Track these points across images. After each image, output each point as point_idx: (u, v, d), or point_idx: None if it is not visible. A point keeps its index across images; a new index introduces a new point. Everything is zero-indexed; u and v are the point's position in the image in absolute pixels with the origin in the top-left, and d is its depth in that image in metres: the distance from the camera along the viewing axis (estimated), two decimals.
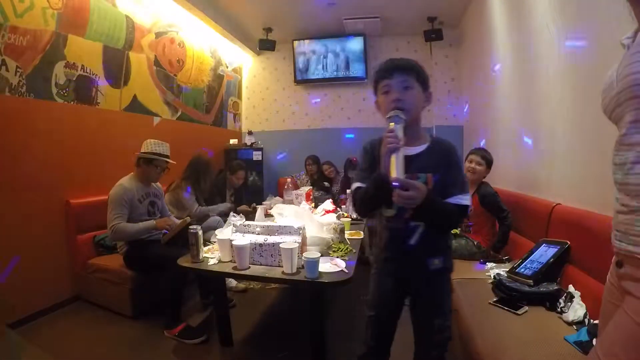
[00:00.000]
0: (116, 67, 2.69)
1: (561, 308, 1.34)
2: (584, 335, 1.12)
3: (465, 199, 0.97)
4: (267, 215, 2.35)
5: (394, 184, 0.85)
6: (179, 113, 3.59)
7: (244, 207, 2.95)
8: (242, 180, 3.18)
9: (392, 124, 0.92)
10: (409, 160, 0.91)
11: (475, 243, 2.11)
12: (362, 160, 1.09)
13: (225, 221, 1.89)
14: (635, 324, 0.59)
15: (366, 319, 1.15)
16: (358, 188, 1.04)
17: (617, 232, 0.66)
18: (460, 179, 1.00)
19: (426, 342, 1.07)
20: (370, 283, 1.16)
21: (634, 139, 0.61)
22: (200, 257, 1.63)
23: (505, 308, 1.41)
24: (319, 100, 4.79)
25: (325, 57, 4.59)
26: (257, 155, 4.40)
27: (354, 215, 2.51)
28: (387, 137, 0.89)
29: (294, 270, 1.44)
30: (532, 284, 1.47)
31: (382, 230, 1.08)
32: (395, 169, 0.86)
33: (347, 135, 4.61)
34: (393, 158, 0.87)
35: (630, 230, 0.62)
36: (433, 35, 4.01)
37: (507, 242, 2.05)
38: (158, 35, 3.19)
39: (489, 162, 2.21)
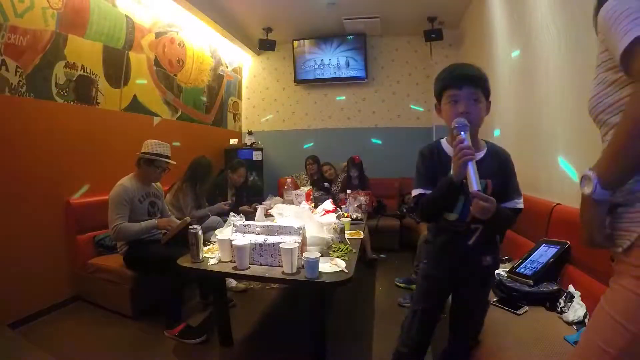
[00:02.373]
0: (116, 67, 2.70)
1: (561, 308, 1.34)
2: None
3: (521, 203, 1.05)
4: (267, 215, 2.35)
5: (473, 195, 0.90)
6: (179, 113, 3.59)
7: (244, 207, 2.95)
8: (243, 178, 3.18)
9: (460, 134, 0.94)
10: None
11: None
12: (423, 166, 1.10)
13: (225, 221, 1.89)
14: (605, 311, 0.62)
15: (409, 316, 1.19)
16: (422, 195, 1.06)
17: None
18: (517, 184, 1.07)
19: (474, 323, 1.19)
20: (419, 277, 1.22)
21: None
22: (200, 257, 1.63)
23: (506, 308, 1.41)
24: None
25: (325, 57, 4.60)
26: (257, 155, 4.39)
27: (354, 216, 2.52)
28: (462, 147, 0.92)
29: (294, 270, 1.44)
30: (532, 284, 1.47)
31: (440, 230, 1.12)
32: (473, 179, 0.90)
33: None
34: (469, 168, 0.91)
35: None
36: (433, 35, 4.00)
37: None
38: (158, 35, 3.19)
39: None
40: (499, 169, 1.05)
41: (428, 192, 1.05)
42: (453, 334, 1.20)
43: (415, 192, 1.09)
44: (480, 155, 1.04)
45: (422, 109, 4.56)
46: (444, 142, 1.12)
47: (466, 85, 0.99)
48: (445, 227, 1.09)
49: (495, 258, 1.13)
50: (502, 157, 1.08)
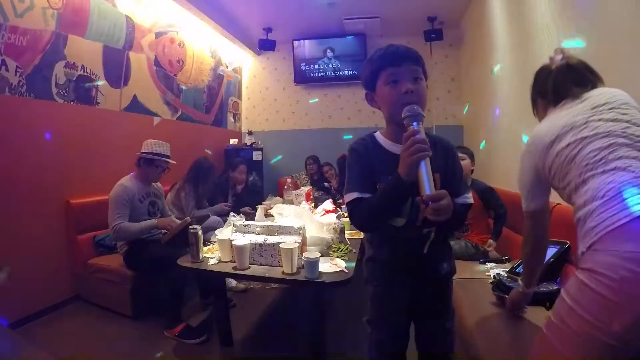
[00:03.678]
0: (116, 67, 2.69)
1: None
2: None
3: (470, 198, 0.93)
4: (267, 215, 2.35)
5: (426, 199, 0.73)
6: (179, 113, 3.59)
7: (246, 209, 2.96)
8: (244, 175, 3.20)
9: (412, 125, 0.78)
10: None
11: (473, 245, 2.14)
12: (356, 166, 0.92)
13: (225, 221, 1.89)
14: (561, 297, 0.72)
15: (373, 344, 1.01)
16: (359, 200, 0.88)
17: None
18: (462, 178, 0.96)
19: (439, 344, 1.01)
20: (373, 302, 1.01)
21: None
22: (200, 257, 1.62)
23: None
24: (316, 100, 4.79)
25: (325, 57, 4.60)
26: (257, 155, 4.40)
27: None
28: (416, 141, 0.75)
29: (294, 270, 1.44)
30: None
31: (384, 242, 0.97)
32: (425, 181, 0.74)
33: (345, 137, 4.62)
34: (421, 168, 0.75)
35: None
36: (433, 35, 4.01)
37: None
38: (158, 35, 3.19)
39: (471, 155, 2.24)
40: (446, 162, 0.91)
41: (366, 196, 0.87)
42: (423, 348, 1.03)
43: (349, 196, 0.90)
44: None
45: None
46: (379, 136, 0.95)
47: (406, 62, 0.85)
48: (392, 236, 0.92)
49: (451, 264, 1.00)
50: (448, 148, 0.95)
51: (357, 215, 0.90)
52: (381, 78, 0.88)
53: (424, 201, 0.74)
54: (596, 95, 0.87)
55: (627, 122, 0.78)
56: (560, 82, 0.95)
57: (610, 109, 0.81)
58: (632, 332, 0.59)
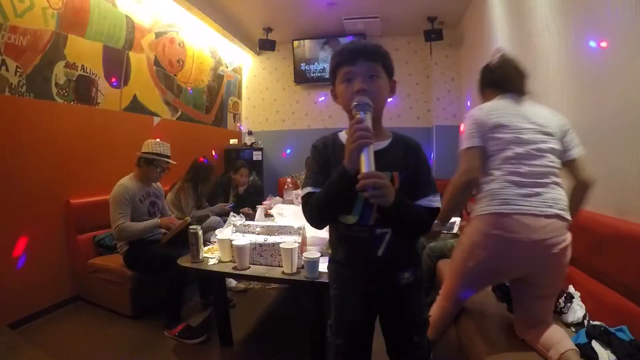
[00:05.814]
0: (116, 67, 2.69)
1: (561, 309, 1.34)
2: (582, 338, 1.12)
3: (437, 201, 0.87)
4: (267, 215, 2.35)
5: (363, 176, 0.72)
6: (179, 113, 3.59)
7: (245, 209, 2.96)
8: (245, 178, 3.22)
9: (359, 114, 0.77)
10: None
11: None
12: (314, 162, 0.91)
13: (225, 221, 1.89)
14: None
15: (333, 349, 0.96)
16: (310, 194, 0.86)
17: None
18: (431, 179, 0.90)
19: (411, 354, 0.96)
20: (332, 306, 0.97)
21: None
22: (200, 257, 1.63)
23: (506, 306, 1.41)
24: (323, 99, 4.79)
25: (325, 57, 4.59)
26: (257, 155, 4.40)
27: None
28: (358, 128, 0.74)
29: (294, 270, 1.44)
30: None
31: (340, 242, 0.94)
32: (366, 162, 0.73)
33: None
34: (363, 154, 0.74)
35: None
36: (433, 35, 4.00)
37: None
38: (158, 35, 3.19)
39: None
40: (406, 160, 0.87)
41: (318, 190, 0.85)
42: None
43: (303, 191, 0.89)
44: (384, 144, 0.88)
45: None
46: (342, 135, 0.93)
47: (361, 60, 0.83)
48: (346, 235, 0.89)
49: (417, 272, 0.93)
50: (410, 146, 0.90)
51: (308, 209, 0.87)
52: (338, 76, 0.88)
53: (360, 181, 0.71)
54: (537, 116, 1.19)
55: (532, 155, 1.13)
56: (503, 75, 1.28)
57: (535, 134, 1.16)
58: (488, 260, 1.15)
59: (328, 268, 1.01)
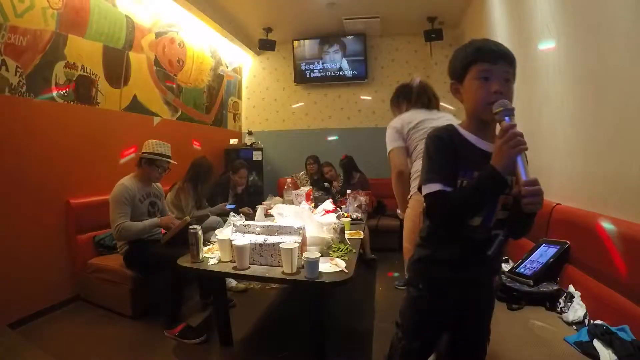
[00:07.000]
0: (116, 67, 2.69)
1: (561, 308, 1.34)
2: (584, 336, 1.12)
3: None
4: (267, 215, 2.35)
5: (526, 184, 0.73)
6: (179, 113, 3.59)
7: (245, 209, 2.96)
8: (244, 179, 3.17)
9: (504, 119, 0.77)
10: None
11: None
12: (439, 154, 0.86)
13: (225, 221, 1.89)
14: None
15: (403, 352, 0.96)
16: (441, 192, 0.81)
17: None
18: None
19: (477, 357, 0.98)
20: (411, 308, 0.95)
21: None
22: (200, 257, 1.63)
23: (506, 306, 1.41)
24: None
25: (325, 57, 4.59)
26: (257, 155, 4.39)
27: (354, 216, 2.51)
28: (517, 133, 0.74)
29: (294, 270, 1.44)
30: (532, 284, 1.47)
31: (448, 242, 0.89)
32: (522, 169, 0.74)
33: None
34: (518, 160, 0.75)
35: None
36: (433, 35, 4.00)
37: None
38: (158, 35, 3.19)
39: None
40: None
41: (448, 189, 0.81)
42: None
43: (430, 188, 0.83)
44: None
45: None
46: (462, 130, 0.89)
47: (501, 62, 0.82)
48: (462, 236, 0.86)
49: (501, 277, 1.03)
50: None
51: (441, 209, 0.83)
52: (471, 71, 0.84)
53: (524, 184, 0.73)
54: (436, 119, 1.64)
55: None
56: (420, 94, 1.79)
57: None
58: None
59: (413, 267, 0.97)
